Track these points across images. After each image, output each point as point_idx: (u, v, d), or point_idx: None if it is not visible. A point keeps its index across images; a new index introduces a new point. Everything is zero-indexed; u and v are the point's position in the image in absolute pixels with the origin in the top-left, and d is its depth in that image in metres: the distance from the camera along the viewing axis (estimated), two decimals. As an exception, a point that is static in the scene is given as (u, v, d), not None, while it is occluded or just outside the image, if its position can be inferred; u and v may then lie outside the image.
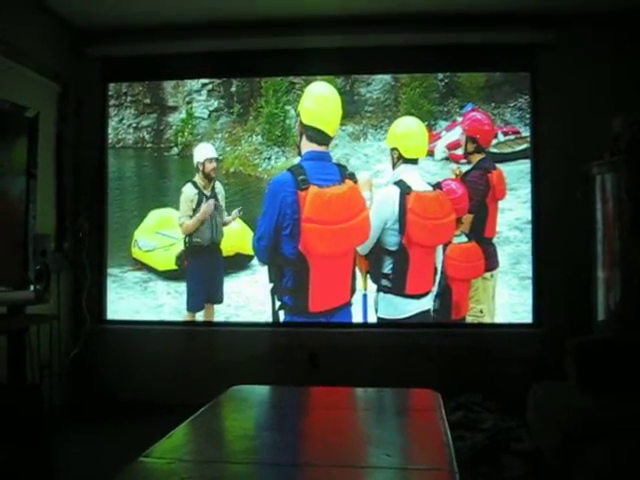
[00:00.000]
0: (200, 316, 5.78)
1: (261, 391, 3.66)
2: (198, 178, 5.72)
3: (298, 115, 4.91)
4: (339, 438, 2.65)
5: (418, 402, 3.47)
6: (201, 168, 5.72)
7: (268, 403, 3.59)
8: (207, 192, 5.71)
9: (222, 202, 5.78)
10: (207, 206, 5.66)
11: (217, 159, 5.78)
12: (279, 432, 2.81)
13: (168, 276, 5.86)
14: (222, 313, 5.74)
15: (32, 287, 4.34)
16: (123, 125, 6.02)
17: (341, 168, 4.94)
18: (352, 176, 4.93)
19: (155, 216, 5.93)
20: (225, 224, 5.77)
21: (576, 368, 3.58)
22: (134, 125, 6.04)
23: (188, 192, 5.69)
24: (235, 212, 5.73)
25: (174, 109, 5.99)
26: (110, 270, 5.87)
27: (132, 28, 5.56)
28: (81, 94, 5.69)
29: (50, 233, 5.07)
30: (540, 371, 4.48)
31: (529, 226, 5.51)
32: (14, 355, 4.18)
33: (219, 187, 5.78)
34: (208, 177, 5.71)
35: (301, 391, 3.78)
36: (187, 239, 5.72)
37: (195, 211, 5.67)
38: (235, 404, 3.37)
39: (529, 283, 5.48)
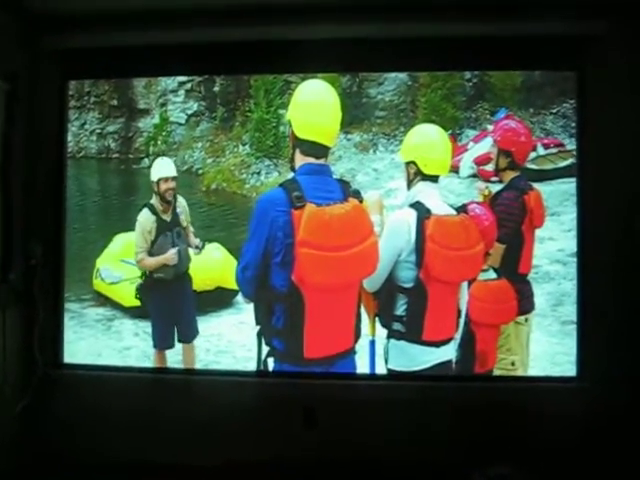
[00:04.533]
0: (171, 354, 5.38)
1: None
2: (155, 201, 5.35)
3: (289, 125, 4.33)
4: None
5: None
6: (156, 189, 5.33)
7: None
8: (167, 217, 5.35)
9: (185, 222, 5.44)
10: (171, 256, 5.35)
11: (175, 177, 5.38)
12: None
13: (135, 313, 5.53)
14: (200, 360, 5.33)
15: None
16: (85, 131, 5.56)
17: (343, 184, 4.33)
18: (357, 194, 4.30)
19: (121, 241, 5.59)
20: (198, 248, 5.49)
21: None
22: (98, 131, 5.61)
23: (144, 221, 5.36)
24: (196, 244, 5.46)
25: (145, 112, 5.56)
26: (68, 305, 5.38)
27: (97, 14, 4.99)
28: (35, 93, 5.20)
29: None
30: (586, 435, 4.36)
31: (574, 259, 4.95)
32: None
33: (181, 205, 5.44)
34: (164, 199, 5.32)
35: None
36: (146, 272, 5.37)
37: (154, 243, 5.30)
38: None
39: (573, 329, 4.93)
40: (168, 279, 5.33)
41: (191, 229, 5.44)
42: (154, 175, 5.41)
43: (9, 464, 4.74)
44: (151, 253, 5.36)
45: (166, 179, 5.34)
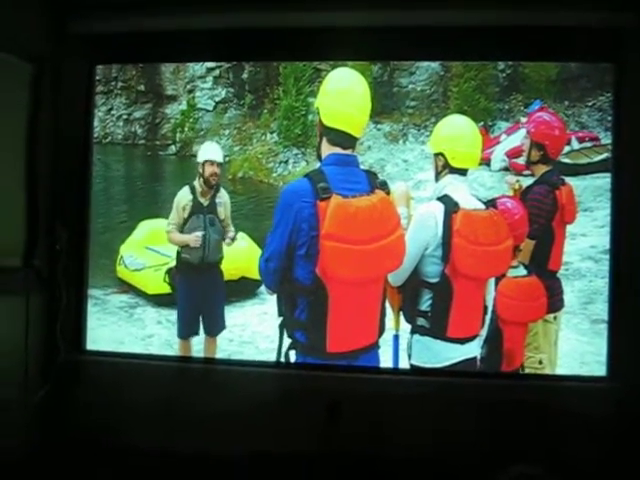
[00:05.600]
0: (195, 343, 5.36)
1: None
2: (197, 182, 5.37)
3: (317, 112, 4.23)
4: None
5: None
6: (200, 170, 5.37)
7: None
8: (204, 200, 5.37)
9: (223, 215, 5.41)
10: (194, 238, 5.37)
11: (220, 163, 5.43)
12: None
13: (159, 301, 5.51)
14: (223, 350, 5.28)
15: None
16: (112, 116, 5.53)
17: (370, 175, 4.24)
18: (384, 185, 4.20)
19: (145, 228, 5.58)
20: (231, 239, 5.48)
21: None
22: (125, 117, 5.56)
23: (181, 197, 5.39)
24: (230, 235, 5.48)
25: (173, 99, 5.49)
26: (91, 291, 5.35)
27: (125, -2, 4.98)
28: (62, 77, 5.13)
29: (15, 246, 4.66)
30: (615, 437, 4.25)
31: (606, 257, 4.80)
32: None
33: (224, 197, 5.44)
34: (207, 183, 5.36)
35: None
36: (178, 252, 5.43)
37: (186, 221, 5.34)
38: None
39: (603, 328, 4.81)
40: (194, 263, 5.33)
41: (231, 228, 5.46)
42: (200, 156, 5.44)
43: (30, 449, 4.70)
44: (182, 231, 5.38)
45: (212, 162, 5.38)
